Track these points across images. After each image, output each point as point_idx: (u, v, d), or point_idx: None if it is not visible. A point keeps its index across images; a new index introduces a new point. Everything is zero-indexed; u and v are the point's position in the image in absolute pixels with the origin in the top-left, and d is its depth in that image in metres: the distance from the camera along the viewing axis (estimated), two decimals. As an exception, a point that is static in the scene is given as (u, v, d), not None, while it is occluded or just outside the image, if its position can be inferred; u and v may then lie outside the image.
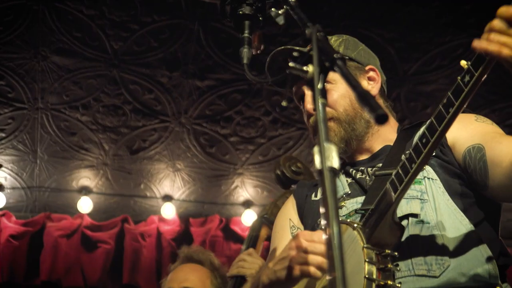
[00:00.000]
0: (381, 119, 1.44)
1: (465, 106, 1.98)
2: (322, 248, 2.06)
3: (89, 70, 5.93)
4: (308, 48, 1.67)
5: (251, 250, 3.66)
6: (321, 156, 1.47)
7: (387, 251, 2.11)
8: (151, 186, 7.24)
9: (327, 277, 1.41)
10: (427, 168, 2.33)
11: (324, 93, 1.59)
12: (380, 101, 2.69)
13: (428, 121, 2.07)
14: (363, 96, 1.50)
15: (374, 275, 2.04)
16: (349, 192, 2.51)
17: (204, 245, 6.97)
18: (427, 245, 2.19)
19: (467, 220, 2.22)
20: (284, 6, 1.95)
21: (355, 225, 2.19)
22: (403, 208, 2.26)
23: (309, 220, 2.59)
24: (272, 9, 2.01)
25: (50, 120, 6.38)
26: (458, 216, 2.23)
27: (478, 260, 2.14)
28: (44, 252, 7.02)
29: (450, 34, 5.58)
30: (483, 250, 2.16)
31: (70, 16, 5.44)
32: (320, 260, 2.05)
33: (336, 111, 2.58)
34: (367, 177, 2.50)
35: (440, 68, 5.91)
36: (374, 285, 2.03)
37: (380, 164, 2.48)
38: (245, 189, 7.30)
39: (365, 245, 2.10)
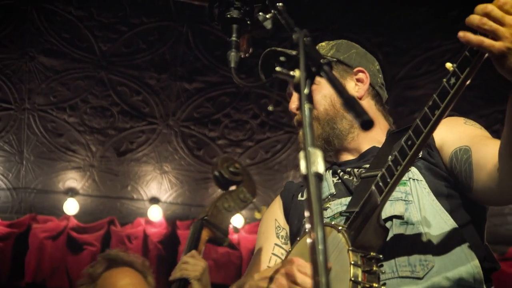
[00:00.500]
0: (366, 125, 1.45)
1: (450, 108, 1.99)
2: (309, 282, 2.05)
3: (77, 71, 5.92)
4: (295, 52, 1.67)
5: (194, 252, 3.64)
6: (306, 161, 1.47)
7: (372, 253, 2.12)
8: (138, 188, 7.23)
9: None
10: (413, 169, 2.34)
11: (310, 98, 1.60)
12: (371, 103, 2.70)
13: (414, 123, 2.08)
14: (348, 102, 1.50)
15: (360, 278, 2.05)
16: (335, 192, 2.52)
17: (191, 248, 6.95)
18: (411, 246, 2.20)
19: (452, 220, 2.23)
20: (272, 11, 1.95)
21: (340, 228, 2.20)
22: (387, 210, 2.27)
23: (295, 221, 2.60)
24: (260, 13, 2.01)
25: (37, 121, 6.35)
26: (443, 216, 2.24)
27: (462, 262, 2.15)
28: (30, 254, 6.99)
29: (438, 40, 5.60)
30: (467, 252, 2.17)
31: (58, 17, 5.42)
32: (308, 281, 2.05)
33: (317, 110, 2.61)
34: (354, 178, 2.51)
35: (428, 73, 5.93)
36: (359, 287, 2.04)
37: (367, 165, 2.49)
38: (233, 192, 7.29)
39: (350, 248, 2.11)
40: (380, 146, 2.56)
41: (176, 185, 7.24)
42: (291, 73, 1.65)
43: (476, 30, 1.90)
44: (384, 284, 2.10)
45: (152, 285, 3.99)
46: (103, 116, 6.36)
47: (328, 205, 2.47)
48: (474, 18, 1.87)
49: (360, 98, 2.69)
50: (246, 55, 2.16)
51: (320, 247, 1.39)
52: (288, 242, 2.63)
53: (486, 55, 1.88)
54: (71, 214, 7.23)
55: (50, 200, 7.30)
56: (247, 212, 7.49)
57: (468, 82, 1.94)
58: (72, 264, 7.11)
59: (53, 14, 5.39)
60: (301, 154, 1.49)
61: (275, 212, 2.76)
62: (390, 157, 2.25)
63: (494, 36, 1.85)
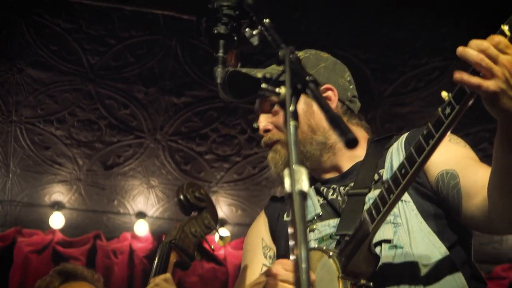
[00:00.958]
0: (351, 143, 1.44)
1: (445, 137, 1.99)
2: None
3: (65, 84, 5.90)
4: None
5: (168, 276, 3.62)
6: (291, 179, 1.46)
7: (362, 281, 2.11)
8: (124, 202, 7.20)
9: None
10: None
11: (296, 115, 1.59)
12: (343, 119, 2.67)
13: (409, 151, 2.06)
14: (333, 120, 1.50)
15: None
16: (321, 213, 2.49)
17: (176, 263, 6.92)
18: (401, 272, 2.19)
19: (440, 242, 2.22)
20: (259, 27, 1.95)
21: (331, 253, 2.20)
22: (376, 235, 2.25)
23: (282, 242, 2.59)
24: (247, 29, 2.01)
25: (24, 134, 6.33)
26: (432, 239, 2.23)
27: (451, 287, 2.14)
28: (14, 268, 6.94)
29: (426, 57, 5.62)
30: (457, 279, 2.16)
31: (47, 30, 5.41)
32: None
33: (283, 132, 2.58)
34: (339, 197, 2.49)
35: (415, 90, 5.95)
36: None
37: (352, 183, 2.48)
38: (220, 207, 7.27)
39: (340, 275, 2.11)
40: (361, 160, 2.55)
41: (163, 200, 7.22)
42: (277, 90, 1.64)
43: (466, 65, 1.87)
44: None
45: None
46: (90, 129, 6.34)
47: (315, 226, 2.46)
48: (472, 54, 1.82)
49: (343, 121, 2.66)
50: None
51: (303, 265, 1.39)
52: None
53: None
54: (57, 228, 7.18)
55: (35, 213, 7.25)
56: (233, 228, 7.47)
57: (463, 112, 1.93)
58: (57, 278, 7.06)
59: (41, 26, 5.38)
60: (286, 172, 1.48)
61: (261, 231, 2.74)
62: (377, 176, 2.24)
63: (489, 74, 1.83)
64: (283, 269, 2.11)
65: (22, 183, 6.88)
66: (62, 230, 7.22)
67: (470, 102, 1.91)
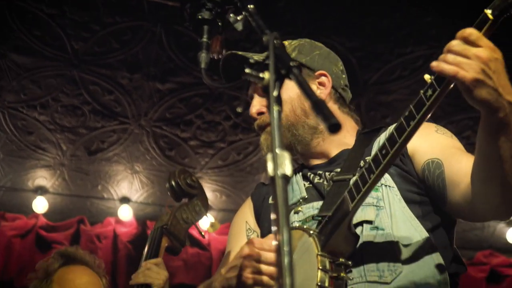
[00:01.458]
0: (334, 128, 1.45)
1: (426, 119, 2.00)
2: (273, 256, 2.08)
3: (49, 70, 5.87)
4: (263, 55, 1.67)
5: (159, 260, 3.62)
6: (273, 163, 1.47)
7: (341, 259, 2.12)
8: (108, 187, 7.19)
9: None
10: (386, 175, 2.35)
11: (279, 100, 1.60)
12: (334, 107, 2.68)
13: (389, 132, 2.08)
14: (317, 105, 1.51)
15: (326, 283, 2.06)
16: (306, 196, 2.51)
17: (160, 248, 6.93)
18: (380, 252, 2.21)
19: (421, 227, 2.24)
20: (243, 13, 1.95)
21: (311, 232, 2.20)
22: (357, 215, 2.27)
23: (265, 224, 2.60)
24: (231, 15, 2.01)
25: (7, 119, 6.29)
26: (413, 223, 2.25)
27: (430, 269, 2.16)
28: (-3, 252, 6.93)
29: (411, 45, 5.64)
30: (435, 258, 2.18)
31: (30, 15, 5.37)
32: (272, 269, 2.07)
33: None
34: (325, 182, 2.51)
35: (400, 79, 5.97)
36: None
37: (338, 169, 2.49)
38: (204, 193, 7.27)
39: (319, 253, 2.11)
40: (349, 148, 2.57)
41: (147, 185, 7.21)
42: (261, 75, 1.65)
43: None
44: None
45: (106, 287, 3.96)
46: (74, 115, 6.32)
47: (299, 208, 2.47)
48: (439, 58, 1.89)
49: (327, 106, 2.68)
50: (219, 56, 2.16)
51: (286, 248, 1.40)
52: None
53: None
54: (40, 213, 7.16)
55: (19, 198, 7.23)
56: (218, 214, 7.49)
57: (445, 94, 1.95)
58: (40, 263, 7.05)
59: (25, 11, 5.34)
60: (269, 156, 1.49)
61: (246, 215, 2.75)
62: (363, 163, 2.26)
63: (461, 69, 1.86)
64: (256, 249, 2.13)
65: (6, 168, 6.85)
66: (45, 215, 7.20)
67: (452, 85, 1.93)
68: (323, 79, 2.68)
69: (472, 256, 7.63)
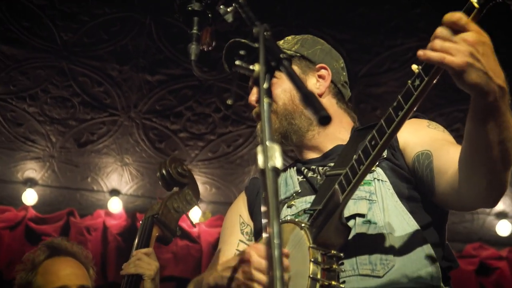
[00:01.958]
0: (323, 121, 1.45)
1: (414, 109, 2.01)
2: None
3: (38, 61, 5.84)
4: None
5: (150, 250, 3.61)
6: (264, 156, 1.47)
7: (333, 251, 2.13)
8: (98, 180, 7.17)
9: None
10: (378, 170, 2.36)
11: (269, 92, 1.60)
12: (332, 101, 2.71)
13: (378, 123, 2.09)
14: (306, 97, 1.51)
15: (319, 275, 2.06)
16: (299, 190, 2.53)
17: (150, 241, 6.93)
18: (373, 245, 2.22)
19: (414, 221, 2.25)
20: (233, 4, 1.95)
21: (303, 224, 2.21)
22: (350, 209, 2.29)
23: (259, 217, 2.60)
24: (221, 6, 2.01)
25: (-4, 110, 6.28)
26: (406, 217, 2.26)
27: (421, 262, 2.17)
28: (-14, 244, 6.91)
29: (400, 38, 5.64)
30: (427, 252, 2.19)
31: (19, 6, 5.34)
32: (265, 279, 2.05)
33: (276, 104, 2.63)
34: (318, 176, 2.52)
35: (390, 71, 5.97)
36: (318, 285, 2.05)
37: (332, 164, 2.50)
38: (194, 185, 7.26)
39: (311, 245, 2.12)
40: (344, 144, 2.57)
41: (137, 177, 7.20)
42: (251, 67, 1.65)
43: None
44: (343, 282, 2.11)
45: (93, 278, 3.94)
46: (63, 106, 6.29)
47: (293, 202, 2.49)
48: (430, 48, 1.90)
49: (321, 95, 2.70)
50: (209, 48, 2.16)
51: (276, 241, 1.40)
52: (253, 238, 2.63)
53: None
54: (30, 205, 7.13)
55: (8, 190, 7.20)
56: (208, 206, 7.48)
57: (432, 84, 1.95)
58: (30, 255, 7.02)
59: (14, 2, 5.31)
60: (259, 149, 1.49)
61: (240, 208, 2.76)
62: (354, 156, 2.27)
63: (452, 53, 1.85)
64: (257, 255, 2.11)
65: (-5, 159, 6.83)
66: (35, 207, 7.18)
67: (439, 74, 1.93)
68: (323, 72, 2.71)
69: (462, 248, 7.66)
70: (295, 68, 2.68)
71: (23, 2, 5.32)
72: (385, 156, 2.38)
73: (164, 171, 3.79)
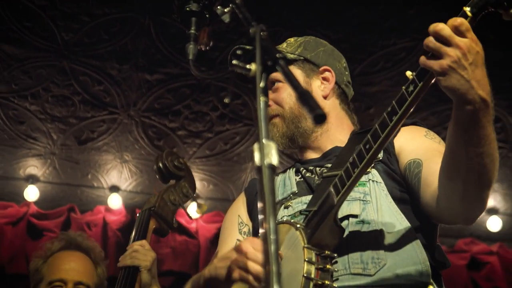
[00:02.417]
0: (319, 119, 1.45)
1: (408, 114, 2.02)
2: None
3: (39, 60, 5.83)
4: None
5: (144, 242, 3.60)
6: (260, 153, 1.47)
7: (327, 252, 2.13)
8: (98, 176, 7.17)
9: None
10: (373, 171, 2.36)
11: (266, 91, 1.59)
12: (336, 102, 2.74)
13: (373, 127, 2.09)
14: (302, 96, 1.50)
15: (313, 275, 2.06)
16: (296, 191, 2.53)
17: (149, 236, 6.93)
18: (365, 244, 2.22)
19: (406, 221, 2.24)
20: (230, 5, 1.95)
21: (298, 225, 2.21)
22: (344, 209, 2.29)
23: (257, 218, 2.60)
24: (219, 7, 2.01)
25: (-2, 108, 6.27)
26: (399, 217, 2.26)
27: (412, 259, 2.16)
28: (-12, 239, 6.90)
29: (394, 37, 5.64)
30: (418, 250, 2.18)
31: (20, 6, 5.33)
32: (259, 269, 2.06)
33: (282, 108, 2.65)
34: (316, 177, 2.52)
35: (383, 70, 5.97)
36: (311, 284, 2.05)
37: (329, 165, 2.50)
38: (192, 182, 7.26)
39: (305, 245, 2.12)
40: (342, 146, 2.57)
41: (136, 174, 7.19)
42: (247, 66, 1.65)
43: None
44: (336, 279, 2.11)
45: (102, 277, 3.93)
46: (64, 105, 6.28)
47: (289, 203, 2.50)
48: (427, 39, 1.90)
49: (325, 97, 2.71)
50: (207, 48, 2.16)
51: (272, 237, 1.39)
52: None
53: None
54: (32, 201, 7.13)
55: (10, 186, 7.19)
56: (205, 202, 7.48)
57: (426, 90, 1.96)
58: (31, 250, 6.97)
59: (15, 3, 5.30)
60: (255, 146, 1.48)
61: (239, 208, 2.76)
62: (349, 160, 2.27)
63: (438, 54, 1.87)
64: (253, 247, 2.11)
65: (-3, 156, 6.82)
66: (36, 203, 7.17)
67: (432, 81, 1.94)
68: (327, 74, 2.72)
69: (453, 244, 7.66)
70: (299, 71, 2.70)
71: (25, 3, 5.30)
72: (380, 159, 2.39)
73: (161, 164, 3.79)
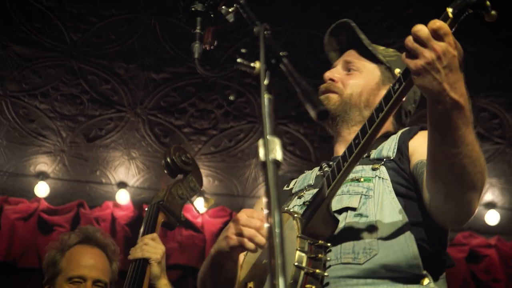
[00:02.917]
0: (322, 115, 1.45)
1: (395, 111, 2.05)
2: (257, 223, 2.17)
3: (48, 60, 5.84)
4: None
5: (155, 235, 3.59)
6: (265, 149, 1.46)
7: (320, 242, 2.13)
8: (106, 173, 7.17)
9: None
10: (382, 168, 2.36)
11: (270, 88, 1.59)
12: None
13: (363, 124, 2.10)
14: (305, 93, 1.50)
15: (304, 263, 2.05)
16: (312, 183, 2.55)
17: (156, 231, 6.93)
18: (360, 236, 2.20)
19: (405, 216, 2.21)
20: (235, 5, 1.95)
21: (295, 215, 2.22)
22: (343, 202, 2.29)
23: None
24: (223, 7, 2.01)
25: (9, 107, 6.26)
26: (398, 212, 2.23)
27: (402, 252, 2.13)
28: (1, 234, 6.89)
29: (392, 37, 5.62)
30: (409, 243, 2.15)
31: (30, 7, 5.34)
32: (253, 232, 2.15)
33: (345, 89, 2.68)
34: None
35: (383, 69, 5.96)
36: (302, 272, 2.04)
37: None
38: (197, 178, 7.26)
39: (299, 235, 2.12)
40: None
41: (143, 171, 7.20)
42: (252, 64, 1.65)
43: None
44: (328, 267, 2.11)
45: (115, 272, 3.92)
46: (73, 103, 6.29)
47: (302, 194, 2.53)
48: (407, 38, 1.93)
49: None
50: (211, 47, 2.16)
51: (277, 230, 1.39)
52: None
53: None
54: (42, 197, 7.14)
55: (21, 183, 7.20)
56: (211, 197, 7.48)
57: (410, 88, 1.97)
58: (42, 245, 7.00)
59: (25, 4, 5.31)
60: (260, 142, 1.48)
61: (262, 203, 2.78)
62: (341, 154, 2.27)
63: (414, 54, 1.89)
64: (245, 215, 2.20)
65: (8, 154, 6.82)
66: (46, 199, 7.18)
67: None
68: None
69: (452, 237, 7.66)
70: (378, 74, 2.73)
71: (34, 4, 5.31)
72: (391, 158, 2.39)
73: (168, 159, 3.79)
